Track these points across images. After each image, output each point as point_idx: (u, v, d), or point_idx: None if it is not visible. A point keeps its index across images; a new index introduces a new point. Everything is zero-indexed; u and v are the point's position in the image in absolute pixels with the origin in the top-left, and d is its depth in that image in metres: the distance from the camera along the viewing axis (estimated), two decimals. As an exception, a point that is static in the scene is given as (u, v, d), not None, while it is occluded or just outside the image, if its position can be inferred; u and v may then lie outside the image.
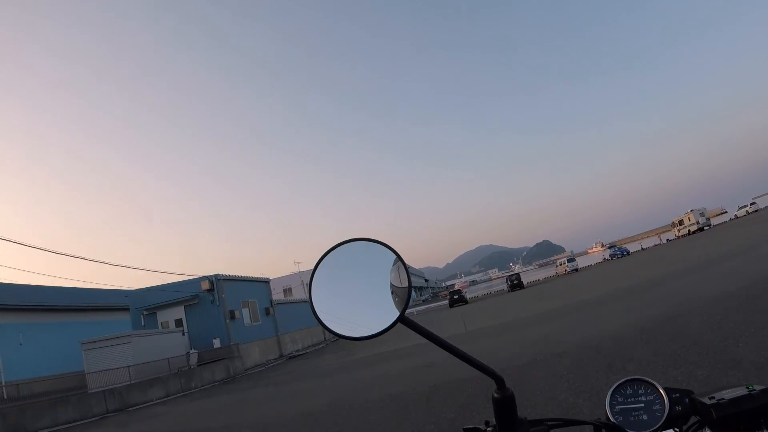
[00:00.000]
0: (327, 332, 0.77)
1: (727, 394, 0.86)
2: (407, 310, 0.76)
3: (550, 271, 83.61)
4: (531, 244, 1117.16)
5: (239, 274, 29.07)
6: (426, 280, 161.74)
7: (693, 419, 0.92)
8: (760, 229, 26.80)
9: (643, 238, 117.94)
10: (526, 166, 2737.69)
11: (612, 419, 0.92)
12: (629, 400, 0.94)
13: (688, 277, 16.18)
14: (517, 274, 57.65)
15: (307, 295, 0.79)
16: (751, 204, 70.79)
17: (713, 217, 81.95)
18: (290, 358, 29.64)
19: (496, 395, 0.77)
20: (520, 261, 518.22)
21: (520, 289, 49.28)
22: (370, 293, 0.79)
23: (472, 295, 62.25)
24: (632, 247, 75.00)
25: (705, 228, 62.52)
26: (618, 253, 64.16)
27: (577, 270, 56.80)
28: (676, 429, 0.91)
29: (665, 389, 0.93)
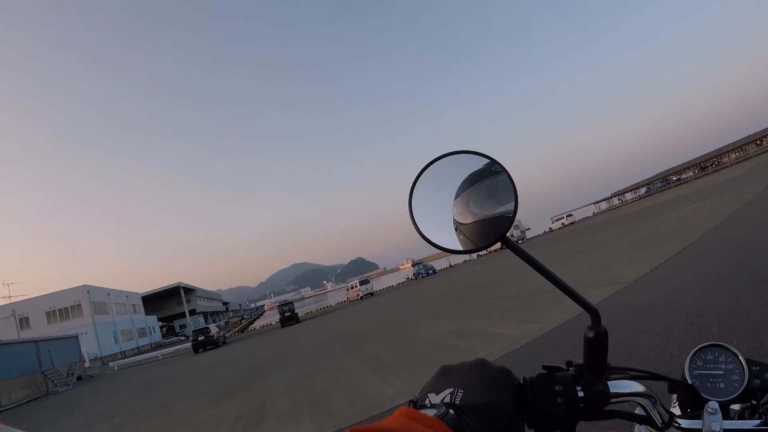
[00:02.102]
0: (426, 243, 0.53)
1: None
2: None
3: (385, 281, 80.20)
4: (345, 261, 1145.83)
5: None
6: (224, 303, 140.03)
7: None
8: (574, 246, 24.80)
9: (445, 257, 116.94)
10: (341, 183, 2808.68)
11: (690, 381, 0.88)
12: (708, 365, 0.89)
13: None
14: (291, 303, 43.41)
15: (408, 206, 0.75)
16: (567, 215, 69.55)
17: (528, 229, 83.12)
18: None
19: (588, 332, 0.73)
20: (333, 279, 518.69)
21: (295, 323, 38.65)
22: (470, 207, 0.75)
23: (263, 323, 52.53)
24: (442, 264, 72.58)
25: (520, 241, 59.91)
26: (423, 272, 59.49)
27: (372, 294, 50.13)
28: (753, 402, 0.84)
29: (747, 360, 0.87)
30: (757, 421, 0.79)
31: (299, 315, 41.46)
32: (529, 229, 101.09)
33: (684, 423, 0.82)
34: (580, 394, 0.73)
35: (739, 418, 0.83)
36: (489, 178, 0.74)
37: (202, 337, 35.87)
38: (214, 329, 38.68)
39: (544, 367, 0.77)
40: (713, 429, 0.77)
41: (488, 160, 0.75)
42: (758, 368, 0.86)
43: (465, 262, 63.16)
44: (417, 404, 0.65)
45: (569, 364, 0.78)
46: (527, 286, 14.24)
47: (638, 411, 0.81)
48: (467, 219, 0.74)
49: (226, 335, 47.24)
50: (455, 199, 0.76)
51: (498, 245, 0.75)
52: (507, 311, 11.56)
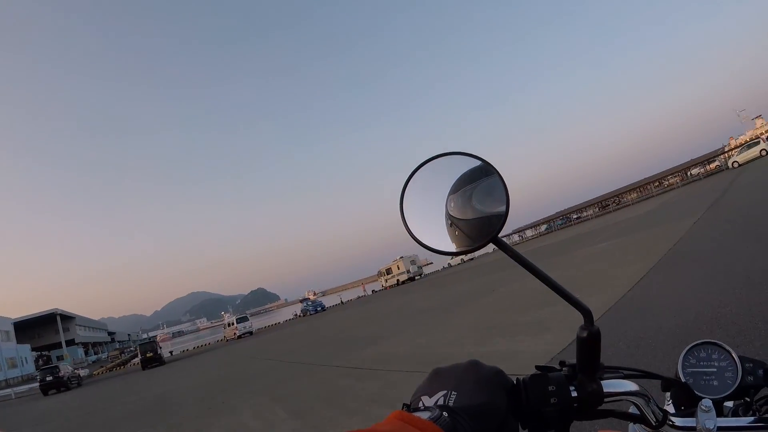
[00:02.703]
0: (418, 245, 0.55)
1: None
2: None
3: (261, 321, 77.07)
4: (246, 292, 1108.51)
5: None
6: (110, 333, 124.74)
7: (764, 391, 0.88)
8: (462, 290, 20.93)
9: (350, 288, 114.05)
10: (245, 206, 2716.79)
11: (683, 379, 0.89)
12: (702, 363, 0.91)
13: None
14: (154, 342, 38.19)
15: (399, 208, 0.76)
16: None
17: (427, 265, 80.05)
18: None
19: (581, 332, 0.74)
20: (231, 310, 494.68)
21: (159, 365, 34.32)
22: (461, 208, 0.76)
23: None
24: (333, 300, 69.26)
25: (417, 278, 57.73)
26: (311, 309, 55.72)
27: (252, 333, 46.61)
28: (747, 399, 0.87)
29: (740, 357, 0.89)
30: (751, 418, 0.80)
31: (174, 352, 39.00)
32: (431, 263, 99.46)
33: (678, 421, 0.82)
34: (574, 394, 0.73)
35: (733, 416, 0.85)
36: (480, 179, 0.74)
37: (50, 377, 30.75)
38: (66, 368, 33.29)
39: (537, 367, 0.77)
40: (707, 426, 0.78)
41: (479, 162, 0.75)
42: (751, 365, 0.87)
43: (359, 297, 60.49)
44: (410, 407, 0.64)
45: (562, 364, 0.79)
46: (403, 348, 10.57)
47: (632, 410, 0.81)
48: (459, 220, 0.75)
49: (94, 373, 43.19)
50: (447, 200, 0.76)
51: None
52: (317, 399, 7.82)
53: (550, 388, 0.70)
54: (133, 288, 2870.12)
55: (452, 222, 0.74)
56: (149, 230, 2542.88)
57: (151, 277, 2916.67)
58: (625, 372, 0.81)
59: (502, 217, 0.71)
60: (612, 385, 0.76)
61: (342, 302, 59.88)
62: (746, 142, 52.73)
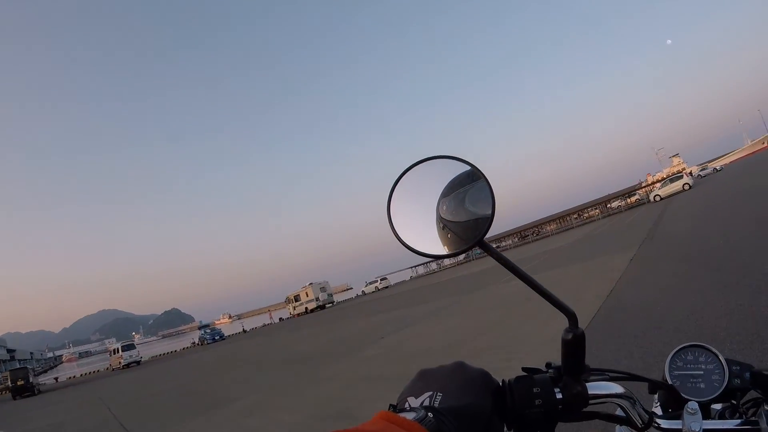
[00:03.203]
0: (406, 249, 0.66)
1: None
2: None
3: (174, 344, 73.22)
4: (159, 312, 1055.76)
5: None
6: (9, 351, 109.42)
7: (751, 394, 0.88)
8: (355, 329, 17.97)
9: (262, 313, 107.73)
10: (164, 220, 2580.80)
11: (670, 382, 0.91)
12: (689, 366, 0.92)
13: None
14: (26, 369, 33.81)
15: (386, 212, 0.76)
16: (381, 279, 65.87)
17: (339, 292, 77.87)
18: None
19: (566, 334, 0.75)
20: (142, 331, 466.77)
21: (31, 395, 31.05)
22: (448, 212, 0.76)
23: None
24: (252, 322, 65.56)
25: (327, 305, 55.04)
26: (209, 338, 51.40)
27: (139, 362, 42.04)
28: (733, 401, 0.88)
29: (727, 360, 0.90)
30: (738, 421, 0.81)
31: (61, 378, 36.12)
32: (350, 288, 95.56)
33: (663, 423, 0.83)
34: (559, 395, 0.73)
35: (719, 418, 0.86)
36: (467, 182, 0.75)
37: (21, 380, 30.35)
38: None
39: (523, 369, 0.78)
40: (693, 429, 0.78)
41: (465, 165, 0.76)
42: (738, 368, 0.87)
43: (265, 326, 56.20)
44: (397, 408, 0.65)
45: (548, 366, 0.80)
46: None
47: (618, 412, 0.81)
48: (445, 223, 0.75)
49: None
50: (434, 203, 0.76)
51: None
52: None
53: (535, 389, 0.70)
54: (41, 302, 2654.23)
55: (439, 225, 0.75)
56: (59, 241, 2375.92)
57: (61, 291, 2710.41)
58: (611, 374, 0.81)
59: (488, 220, 0.71)
60: (597, 387, 0.76)
61: (244, 330, 56.63)
62: (667, 176, 54.29)
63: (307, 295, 55.35)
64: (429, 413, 0.58)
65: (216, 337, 51.16)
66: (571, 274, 13.43)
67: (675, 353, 0.93)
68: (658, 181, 54.58)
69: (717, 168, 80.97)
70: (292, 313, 57.97)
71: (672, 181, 46.86)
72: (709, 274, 7.53)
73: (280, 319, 60.14)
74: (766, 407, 0.81)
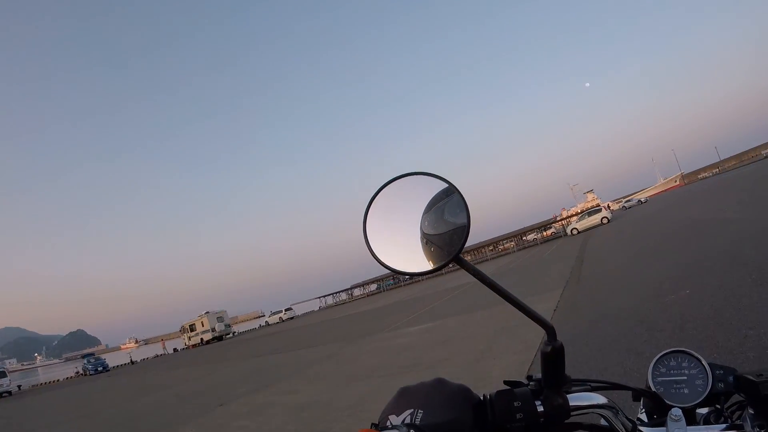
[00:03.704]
0: (382, 267, 0.73)
1: None
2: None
3: (60, 371, 67.49)
4: (64, 332, 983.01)
5: None
6: None
7: (735, 398, 0.88)
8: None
9: (174, 338, 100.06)
10: (67, 239, 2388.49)
11: (653, 389, 0.90)
12: (672, 372, 0.92)
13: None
14: None
15: (362, 230, 0.76)
16: (287, 309, 63.02)
17: (251, 319, 75.19)
18: None
19: (545, 346, 0.75)
20: (44, 352, 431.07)
21: None
22: (425, 229, 0.75)
23: None
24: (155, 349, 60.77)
25: (225, 336, 51.34)
26: (91, 368, 46.83)
27: (11, 393, 36.92)
28: (717, 406, 0.87)
29: (710, 364, 0.90)
30: (722, 425, 0.82)
31: None
32: (262, 315, 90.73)
33: (647, 431, 0.83)
34: (540, 408, 0.73)
35: (704, 423, 0.86)
36: (441, 198, 0.75)
37: None
38: None
39: (505, 382, 0.78)
40: None
41: (440, 181, 0.75)
42: (722, 372, 0.87)
43: (157, 356, 52.04)
44: (378, 426, 0.65)
45: (530, 378, 0.80)
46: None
47: (602, 422, 0.81)
48: (421, 240, 0.75)
49: None
50: (409, 221, 0.76)
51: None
52: None
53: (516, 403, 0.70)
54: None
55: (414, 242, 0.74)
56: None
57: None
58: (593, 384, 0.81)
59: (464, 236, 0.71)
60: (579, 398, 0.76)
61: (132, 362, 51.56)
62: (583, 210, 54.14)
63: (203, 325, 51.02)
64: (410, 430, 0.59)
65: (99, 368, 46.53)
66: (469, 331, 10.41)
67: (658, 359, 0.92)
68: (574, 214, 54.72)
69: (642, 200, 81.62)
70: (186, 343, 53.27)
71: (590, 214, 46.54)
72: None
73: (175, 350, 55.07)
74: (750, 410, 0.82)
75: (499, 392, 0.71)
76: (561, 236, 48.87)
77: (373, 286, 68.17)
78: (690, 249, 11.04)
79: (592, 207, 53.70)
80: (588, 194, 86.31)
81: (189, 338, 52.52)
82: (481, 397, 0.71)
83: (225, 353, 26.21)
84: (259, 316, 63.53)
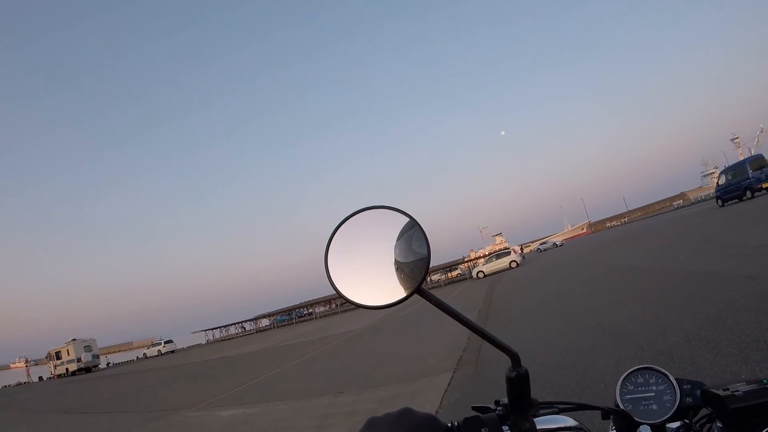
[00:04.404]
0: (344, 300, 0.77)
1: (741, 387, 0.85)
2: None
3: None
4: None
5: None
6: None
7: (703, 411, 0.90)
8: None
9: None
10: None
11: (621, 407, 0.91)
12: (640, 388, 0.93)
13: None
14: None
15: (324, 264, 0.77)
16: (165, 342, 58.03)
17: (142, 347, 71.40)
18: None
19: (510, 372, 0.75)
20: None
21: None
22: (386, 262, 0.77)
23: None
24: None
25: (93, 368, 46.66)
26: None
27: None
28: (686, 420, 0.89)
29: (677, 379, 0.91)
30: None
31: None
32: (159, 343, 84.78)
33: None
34: None
35: None
36: (403, 232, 0.76)
37: None
38: None
39: (473, 408, 0.79)
40: None
41: (400, 214, 0.76)
42: (689, 386, 0.89)
43: (19, 384, 46.42)
44: None
45: (497, 403, 0.80)
46: None
47: None
48: (382, 274, 0.75)
49: None
50: (369, 255, 0.77)
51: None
52: None
53: (484, 430, 0.70)
54: None
55: (376, 275, 0.75)
56: None
57: None
58: (560, 406, 0.81)
59: (425, 268, 0.73)
60: (547, 422, 0.78)
61: None
62: (492, 252, 52.66)
63: (68, 354, 46.19)
64: None
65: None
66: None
67: (625, 377, 0.92)
68: (482, 256, 53.55)
69: (557, 243, 79.53)
70: (52, 372, 47.94)
71: (498, 257, 43.21)
72: None
73: (40, 378, 49.28)
74: (718, 423, 0.83)
75: (466, 419, 0.70)
76: (466, 278, 46.73)
77: (265, 322, 64.17)
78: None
79: (501, 250, 51.96)
80: (497, 237, 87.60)
81: (55, 366, 47.43)
82: (449, 425, 0.70)
83: (64, 397, 22.43)
84: (155, 344, 57.97)
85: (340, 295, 0.74)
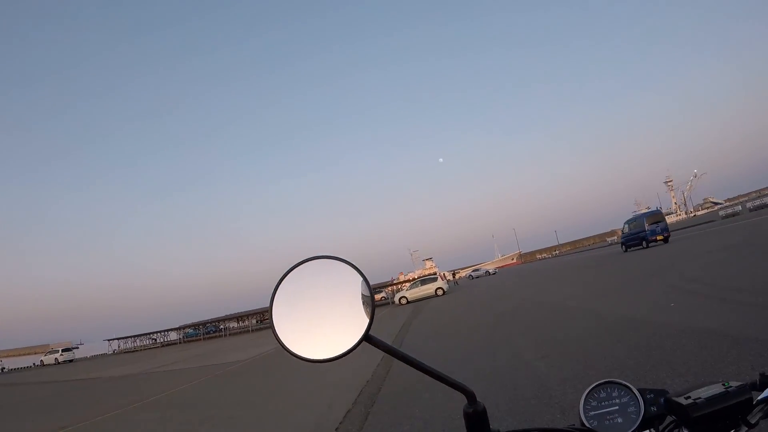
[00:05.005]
0: (290, 355, 0.76)
1: (703, 392, 0.85)
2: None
3: None
4: None
5: None
6: None
7: (669, 419, 0.90)
8: None
9: (20, 356, 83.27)
10: None
11: (587, 424, 0.90)
12: (603, 403, 0.92)
13: None
14: None
15: (269, 316, 0.79)
16: (63, 350, 53.63)
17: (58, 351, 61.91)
18: None
19: (467, 410, 0.77)
20: None
21: None
22: (333, 313, 0.78)
23: None
24: None
25: None
26: None
27: None
28: (652, 429, 0.89)
29: (639, 390, 0.92)
30: None
31: None
32: (77, 347, 78.27)
33: None
34: None
35: None
36: (345, 281, 0.77)
37: None
38: None
39: None
40: None
41: (343, 264, 0.78)
42: (652, 395, 0.90)
43: None
44: None
45: None
46: None
47: None
48: (328, 323, 0.76)
49: None
50: (315, 305, 0.77)
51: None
52: None
53: None
54: None
55: (321, 327, 0.76)
56: None
57: None
58: None
59: (370, 316, 0.74)
60: None
61: None
62: (419, 277, 49.79)
63: None
64: None
65: None
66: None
67: (587, 394, 0.92)
68: (409, 280, 51.05)
69: (490, 271, 76.69)
70: None
71: (423, 282, 39.72)
72: None
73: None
74: (684, 430, 0.84)
75: None
76: (389, 303, 43.09)
77: (173, 335, 60.06)
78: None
79: (429, 275, 49.65)
80: (427, 261, 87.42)
81: None
82: None
83: None
84: (52, 351, 51.86)
85: (287, 351, 0.74)
